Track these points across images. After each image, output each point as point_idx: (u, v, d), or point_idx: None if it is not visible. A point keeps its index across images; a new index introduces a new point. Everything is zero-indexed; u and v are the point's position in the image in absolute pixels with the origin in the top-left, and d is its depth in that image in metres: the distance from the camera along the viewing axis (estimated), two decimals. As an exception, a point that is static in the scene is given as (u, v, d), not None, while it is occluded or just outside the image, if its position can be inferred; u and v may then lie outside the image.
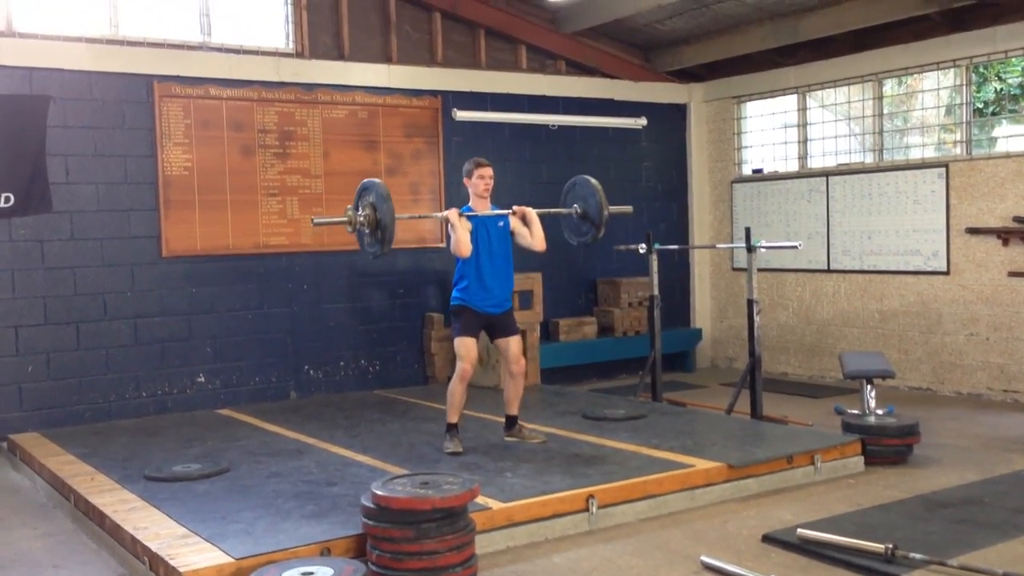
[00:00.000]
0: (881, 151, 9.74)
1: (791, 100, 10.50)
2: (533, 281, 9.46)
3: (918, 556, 4.48)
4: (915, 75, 9.52)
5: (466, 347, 6.43)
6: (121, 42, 8.24)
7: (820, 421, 7.65)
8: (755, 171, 10.88)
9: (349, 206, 6.24)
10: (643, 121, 10.84)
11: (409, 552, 4.32)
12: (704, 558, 4.64)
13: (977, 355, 8.85)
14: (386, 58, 9.47)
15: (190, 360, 8.46)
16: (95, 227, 8.05)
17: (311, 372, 9.02)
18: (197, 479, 5.83)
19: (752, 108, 11.00)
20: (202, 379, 8.52)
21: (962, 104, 9.04)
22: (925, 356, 9.24)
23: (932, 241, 9.12)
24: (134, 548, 4.74)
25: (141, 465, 6.22)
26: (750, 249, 7.68)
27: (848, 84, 9.95)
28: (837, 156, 10.18)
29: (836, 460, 6.26)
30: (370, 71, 9.29)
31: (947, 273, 9.02)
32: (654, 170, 11.09)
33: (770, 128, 10.77)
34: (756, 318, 7.59)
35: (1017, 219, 8.49)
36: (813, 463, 6.14)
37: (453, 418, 6.46)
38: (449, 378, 6.58)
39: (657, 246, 8.58)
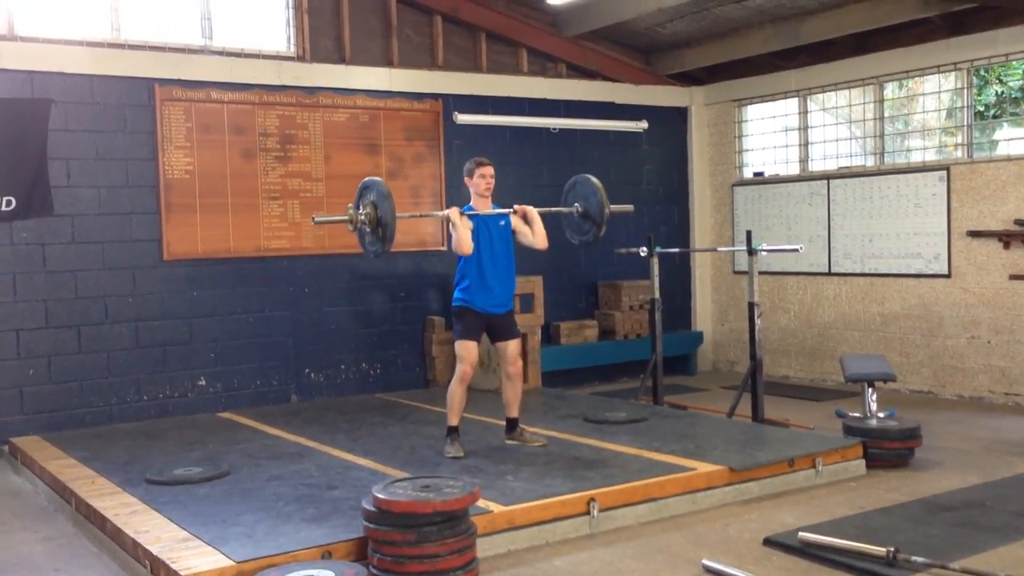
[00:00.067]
0: (882, 154, 9.74)
1: (792, 103, 10.50)
2: (534, 284, 9.46)
3: (920, 559, 4.47)
4: (916, 78, 9.52)
5: (467, 349, 6.43)
6: (122, 45, 8.25)
7: (821, 424, 7.64)
8: (756, 174, 10.88)
9: (350, 205, 6.25)
10: (644, 124, 10.85)
11: (410, 555, 4.32)
12: (705, 561, 4.63)
13: (978, 358, 8.85)
14: (387, 61, 9.48)
15: (191, 363, 8.46)
16: (96, 230, 8.06)
17: (312, 375, 9.02)
18: (198, 482, 5.82)
19: (753, 111, 11.00)
20: (203, 382, 8.52)
21: (963, 107, 9.04)
22: (926, 359, 9.24)
23: (933, 244, 9.12)
24: (135, 552, 4.74)
25: (142, 468, 6.22)
26: (751, 252, 7.68)
27: (849, 87, 9.95)
28: (838, 159, 10.18)
29: (837, 463, 6.25)
30: (371, 74, 9.30)
31: (948, 276, 9.02)
32: (655, 173, 11.09)
33: (771, 131, 10.77)
34: (757, 321, 7.58)
35: (1018, 222, 8.48)
36: (814, 466, 6.13)
37: (454, 421, 6.46)
38: (450, 381, 6.57)
39: (658, 249, 8.58)
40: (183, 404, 8.40)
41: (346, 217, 6.20)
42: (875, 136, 9.78)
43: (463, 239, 6.32)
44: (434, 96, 9.60)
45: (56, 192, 7.87)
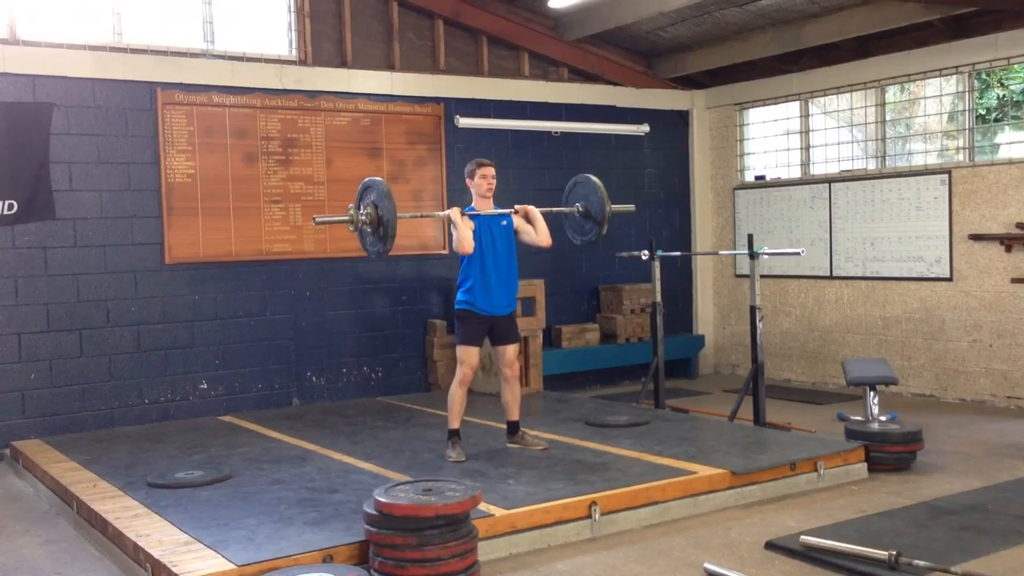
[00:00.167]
0: (884, 158, 9.74)
1: (794, 107, 10.51)
2: (536, 288, 9.46)
3: (922, 563, 4.47)
4: (917, 82, 9.52)
5: (468, 354, 6.42)
6: (124, 49, 8.26)
7: (823, 428, 7.64)
8: (758, 178, 10.88)
9: (351, 205, 6.25)
10: (645, 128, 10.86)
11: (412, 559, 4.32)
12: (707, 565, 4.63)
13: (980, 362, 8.84)
14: (389, 65, 9.49)
15: (193, 367, 8.46)
16: (98, 234, 8.06)
17: (313, 379, 9.02)
18: (200, 486, 5.82)
19: (755, 115, 11.00)
20: (205, 386, 8.52)
21: (964, 111, 9.04)
22: (928, 362, 9.23)
23: (935, 247, 9.12)
24: (136, 555, 4.74)
25: (144, 472, 6.22)
26: (753, 256, 7.68)
27: (851, 91, 9.95)
28: (840, 163, 10.19)
29: (839, 467, 6.25)
30: (373, 78, 9.31)
31: (950, 279, 9.01)
32: (657, 177, 11.10)
33: (773, 135, 10.78)
34: (759, 324, 7.58)
35: (1020, 225, 8.48)
36: (816, 470, 6.13)
37: (455, 424, 6.45)
38: (451, 384, 6.57)
39: (660, 253, 8.58)
40: (185, 407, 8.41)
41: (347, 217, 6.20)
42: (876, 139, 9.78)
43: (464, 237, 6.32)
44: (436, 100, 9.61)
45: (58, 196, 7.88)
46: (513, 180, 9.67)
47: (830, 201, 10.00)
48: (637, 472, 5.83)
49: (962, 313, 8.94)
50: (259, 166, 8.74)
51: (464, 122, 9.69)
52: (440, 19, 9.74)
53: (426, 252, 9.57)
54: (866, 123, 9.95)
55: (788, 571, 4.63)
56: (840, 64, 9.80)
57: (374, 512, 4.44)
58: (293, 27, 9.08)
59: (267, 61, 8.88)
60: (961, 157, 9.11)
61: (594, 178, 6.89)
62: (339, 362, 9.14)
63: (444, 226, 9.36)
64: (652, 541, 5.14)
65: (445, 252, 9.51)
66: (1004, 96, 9.75)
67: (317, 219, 6.43)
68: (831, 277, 10.06)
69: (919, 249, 9.24)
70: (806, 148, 10.44)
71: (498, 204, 6.69)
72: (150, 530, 4.94)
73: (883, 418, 6.77)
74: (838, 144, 10.25)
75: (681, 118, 11.27)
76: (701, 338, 11.23)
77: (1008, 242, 8.55)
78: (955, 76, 9.07)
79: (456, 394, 6.41)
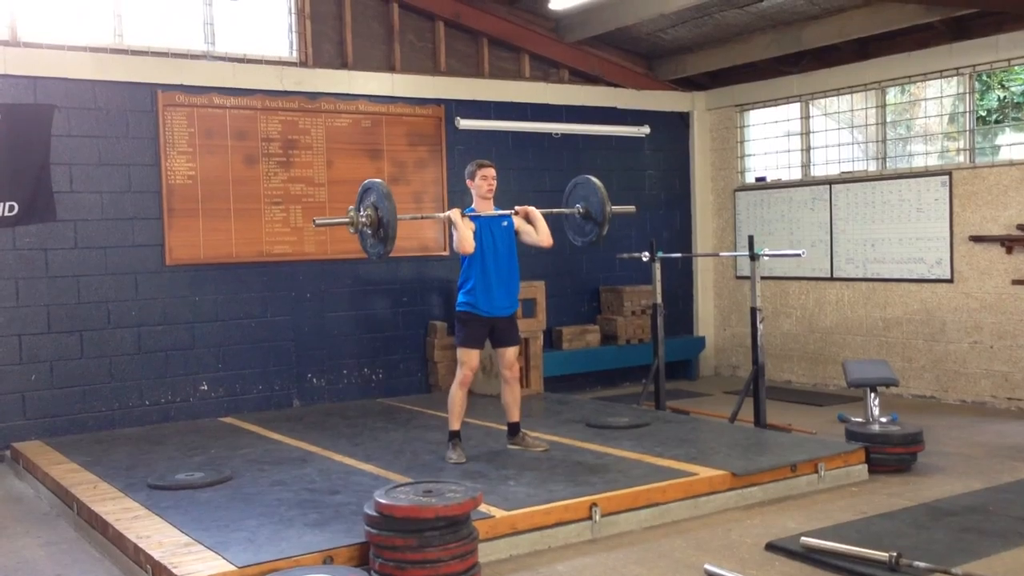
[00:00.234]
0: (884, 159, 9.75)
1: (794, 108, 10.51)
2: (536, 289, 9.46)
3: (922, 565, 4.46)
4: (918, 83, 9.52)
5: (468, 355, 6.42)
6: (125, 51, 8.27)
7: (824, 429, 7.64)
8: (758, 179, 10.89)
9: (351, 207, 6.24)
10: (646, 129, 10.86)
11: (412, 560, 4.32)
12: (708, 567, 4.63)
13: (981, 363, 8.84)
14: (389, 67, 9.49)
15: (193, 368, 8.46)
16: (99, 236, 8.07)
17: (314, 380, 9.02)
18: (200, 487, 5.82)
19: (755, 116, 11.00)
20: (205, 387, 8.52)
21: (965, 112, 9.04)
22: (929, 364, 9.23)
23: (935, 249, 9.12)
24: (137, 557, 4.74)
25: (144, 473, 6.22)
26: (753, 257, 7.68)
27: (851, 92, 9.95)
28: (840, 164, 10.18)
29: (840, 468, 6.25)
30: (373, 80, 9.31)
31: (951, 281, 9.01)
32: (657, 178, 11.10)
33: (773, 136, 10.78)
34: (759, 326, 7.58)
35: (1021, 227, 8.48)
36: (817, 471, 6.13)
37: (455, 425, 6.45)
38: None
39: (660, 254, 8.57)
40: (185, 409, 8.41)
41: (347, 219, 6.19)
42: (877, 141, 9.78)
43: (464, 238, 6.31)
44: (436, 101, 9.62)
45: (59, 197, 7.89)
46: (514, 181, 9.67)
47: (831, 203, 10.00)
48: (638, 473, 5.83)
49: (963, 315, 8.93)
50: (260, 168, 8.74)
51: (465, 123, 9.70)
52: (441, 21, 9.75)
53: (427, 254, 9.57)
54: (867, 124, 9.95)
55: (788, 572, 4.63)
56: (841, 66, 9.80)
57: (374, 513, 4.44)
58: (294, 29, 9.08)
59: (268, 63, 8.88)
60: (962, 159, 9.11)
61: (594, 179, 6.89)
62: (340, 363, 9.15)
63: (445, 227, 9.37)
64: (653, 542, 5.14)
65: (446, 254, 9.51)
66: (1005, 98, 9.75)
67: (317, 221, 6.42)
68: (832, 279, 10.06)
69: (920, 251, 9.24)
70: (807, 150, 10.44)
71: (499, 205, 6.68)
72: (151, 531, 4.94)
73: (884, 419, 6.76)
74: (839, 146, 10.25)
75: (682, 120, 11.28)
76: (702, 340, 11.22)
77: (1009, 244, 8.55)
78: (956, 78, 9.07)
79: (456, 395, 6.41)
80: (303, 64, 9.06)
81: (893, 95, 9.82)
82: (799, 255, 8.02)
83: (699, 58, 10.69)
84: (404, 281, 9.48)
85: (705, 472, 5.81)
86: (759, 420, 7.53)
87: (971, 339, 8.90)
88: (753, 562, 4.76)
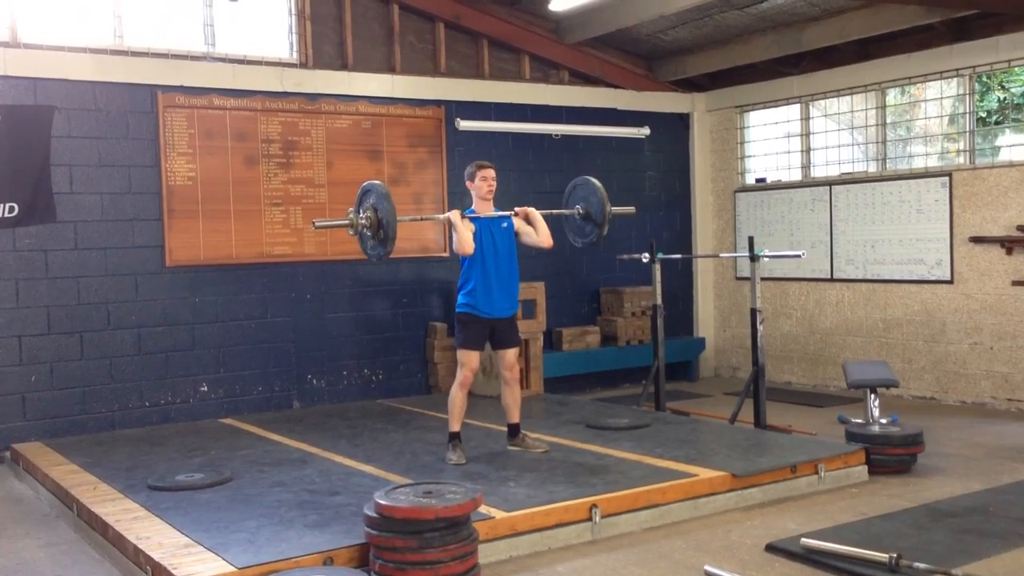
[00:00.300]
0: (884, 160, 9.75)
1: (794, 109, 10.51)
2: (536, 290, 9.46)
3: (922, 566, 4.46)
4: (918, 84, 9.53)
5: (468, 356, 6.42)
6: (125, 52, 8.27)
7: (824, 430, 7.64)
8: (758, 180, 10.89)
9: (351, 209, 6.24)
10: (646, 131, 10.86)
11: (412, 561, 4.32)
12: (708, 568, 4.63)
13: (981, 364, 8.84)
14: (390, 68, 9.49)
15: (193, 370, 8.46)
16: (99, 237, 8.07)
17: (314, 381, 9.02)
18: (200, 488, 5.82)
19: (755, 117, 11.01)
20: (205, 388, 8.52)
21: (965, 113, 9.04)
22: (929, 365, 9.23)
23: (936, 250, 9.12)
24: (137, 558, 4.74)
25: (144, 475, 6.22)
26: (753, 258, 7.68)
27: (851, 93, 9.95)
28: (840, 165, 10.18)
29: (840, 469, 6.25)
30: (373, 81, 9.32)
31: (951, 282, 9.01)
32: (657, 179, 11.10)
33: (773, 137, 10.78)
34: (759, 327, 7.58)
35: (1021, 228, 8.48)
36: (817, 472, 6.13)
37: (455, 427, 6.45)
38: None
39: (660, 255, 8.57)
40: (185, 410, 8.41)
41: (346, 221, 6.18)
42: (877, 142, 9.78)
43: (464, 239, 6.31)
44: (436, 102, 9.62)
45: (59, 198, 7.89)
46: (514, 182, 9.67)
47: (831, 204, 10.00)
48: (638, 474, 5.83)
49: (963, 316, 8.93)
50: (260, 169, 8.74)
51: (465, 125, 9.70)
52: (441, 22, 9.75)
53: (427, 255, 9.57)
54: (867, 125, 9.95)
55: (788, 573, 4.63)
56: (841, 67, 9.80)
57: (374, 514, 4.44)
58: (294, 30, 9.08)
59: (268, 64, 8.89)
60: (962, 160, 9.11)
61: (594, 180, 6.90)
62: (340, 364, 9.14)
63: (445, 229, 9.37)
64: (653, 543, 5.14)
65: (446, 255, 9.51)
66: (1005, 99, 9.74)
67: (316, 224, 6.42)
68: (832, 280, 10.06)
69: (920, 252, 9.24)
70: (807, 151, 10.44)
71: (498, 206, 6.69)
72: (150, 532, 4.94)
73: (884, 420, 6.77)
74: (839, 147, 10.25)
75: (682, 121, 11.28)
76: (702, 341, 11.22)
77: (1009, 245, 8.55)
78: (956, 79, 9.08)
79: (456, 396, 6.41)
80: (303, 65, 9.06)
81: (893, 96, 9.82)
82: (799, 256, 8.02)
83: (699, 59, 10.69)
84: (404, 282, 9.48)
85: (705, 473, 5.81)
86: (759, 421, 7.53)
87: (971, 340, 8.90)
88: (753, 563, 4.76)
